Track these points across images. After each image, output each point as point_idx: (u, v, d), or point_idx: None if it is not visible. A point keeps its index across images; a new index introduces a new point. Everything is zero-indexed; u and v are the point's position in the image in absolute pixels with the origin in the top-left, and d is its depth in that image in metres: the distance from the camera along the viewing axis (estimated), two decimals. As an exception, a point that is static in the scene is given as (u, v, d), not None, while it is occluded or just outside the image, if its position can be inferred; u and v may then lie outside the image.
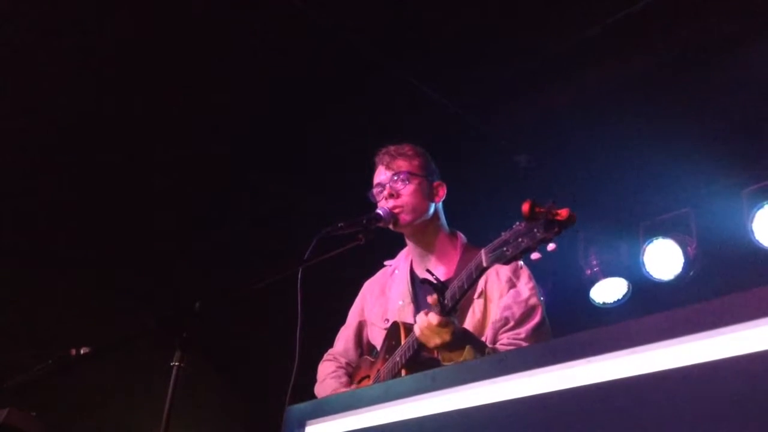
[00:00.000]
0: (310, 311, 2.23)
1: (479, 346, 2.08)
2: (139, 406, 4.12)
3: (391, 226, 2.42)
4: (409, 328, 2.25)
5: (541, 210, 1.60)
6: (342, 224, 2.30)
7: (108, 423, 4.87)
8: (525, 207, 1.60)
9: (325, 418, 1.41)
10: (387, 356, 2.33)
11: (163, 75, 3.70)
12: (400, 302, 2.50)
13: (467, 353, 2.01)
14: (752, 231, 4.12)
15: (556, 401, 1.04)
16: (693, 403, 0.90)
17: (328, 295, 3.16)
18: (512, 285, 2.30)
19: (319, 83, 3.80)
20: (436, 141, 3.02)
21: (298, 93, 3.85)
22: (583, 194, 4.35)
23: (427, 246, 2.50)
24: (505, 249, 1.74)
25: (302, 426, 1.43)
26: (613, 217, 4.69)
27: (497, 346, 2.19)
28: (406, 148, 2.53)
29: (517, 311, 2.23)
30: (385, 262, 2.75)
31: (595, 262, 4.83)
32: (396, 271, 2.65)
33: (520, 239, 1.68)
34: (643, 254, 4.59)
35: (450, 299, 1.98)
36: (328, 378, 2.59)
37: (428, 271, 2.12)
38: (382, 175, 2.52)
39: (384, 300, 2.61)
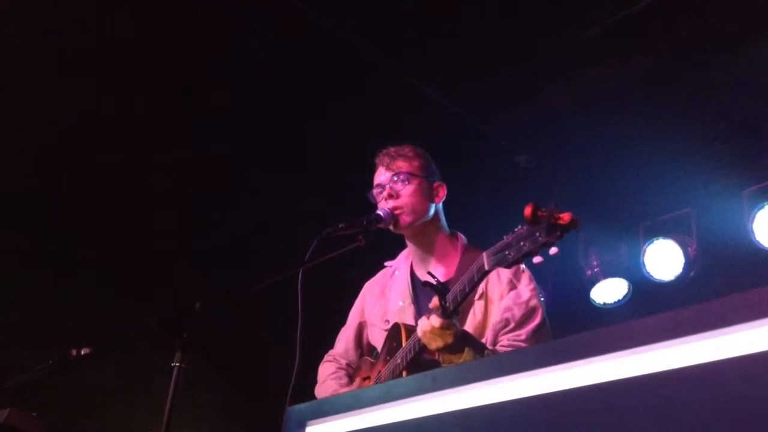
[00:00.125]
0: (311, 312, 2.23)
1: (479, 348, 2.08)
2: (139, 406, 4.11)
3: (391, 228, 2.42)
4: (410, 329, 2.25)
5: (544, 214, 1.60)
6: (342, 225, 2.30)
7: (108, 423, 4.86)
8: (527, 210, 1.60)
9: (326, 418, 1.40)
10: (388, 357, 2.33)
11: (163, 75, 3.70)
12: (401, 303, 2.50)
13: (467, 355, 2.01)
14: (753, 231, 4.12)
15: (557, 402, 1.04)
16: (694, 404, 0.90)
17: (328, 296, 3.16)
18: (513, 287, 2.30)
19: (319, 83, 3.80)
20: (436, 141, 3.02)
21: (298, 93, 3.85)
22: (583, 194, 4.35)
23: (427, 247, 2.50)
24: (507, 252, 1.74)
25: (302, 426, 1.43)
26: (614, 217, 4.69)
27: (497, 347, 2.19)
28: (407, 149, 2.53)
29: (518, 313, 2.23)
30: (386, 263, 2.75)
31: (595, 263, 4.83)
32: (396, 272, 2.64)
33: (522, 243, 1.68)
34: (643, 255, 4.60)
35: (452, 302, 1.98)
36: (328, 379, 2.59)
37: (430, 273, 2.12)
38: (382, 175, 2.52)
39: (384, 301, 2.61)
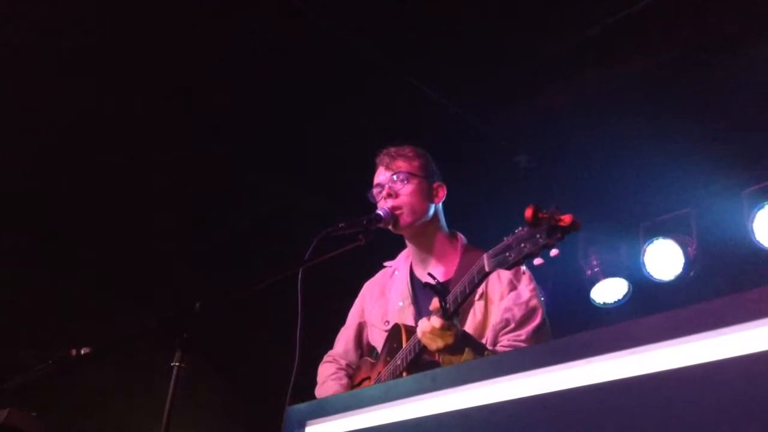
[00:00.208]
0: (311, 312, 2.23)
1: (479, 349, 2.08)
2: (139, 406, 4.11)
3: (391, 228, 2.42)
4: (410, 330, 2.25)
5: (544, 215, 1.60)
6: (342, 225, 2.30)
7: (108, 423, 4.86)
8: (528, 212, 1.60)
9: (326, 418, 1.40)
10: (388, 358, 2.33)
11: (163, 75, 3.70)
12: (400, 303, 2.50)
13: (467, 356, 2.01)
14: (753, 231, 4.12)
15: (557, 401, 1.04)
16: (693, 404, 0.90)
17: (328, 296, 3.16)
18: (513, 287, 2.30)
19: (319, 83, 3.80)
20: (436, 141, 3.02)
21: (298, 93, 3.85)
22: (583, 194, 4.35)
23: (426, 247, 2.50)
24: (507, 254, 1.73)
25: (302, 426, 1.43)
26: (614, 217, 4.69)
27: (497, 347, 2.19)
28: (407, 150, 2.54)
29: (518, 313, 2.23)
30: (385, 263, 2.75)
31: (595, 263, 4.83)
32: (396, 272, 2.64)
33: (522, 244, 1.68)
34: (643, 254, 4.60)
35: (452, 303, 1.98)
36: (328, 380, 2.59)
37: (430, 274, 2.12)
38: (381, 175, 2.52)
39: (384, 301, 2.61)
